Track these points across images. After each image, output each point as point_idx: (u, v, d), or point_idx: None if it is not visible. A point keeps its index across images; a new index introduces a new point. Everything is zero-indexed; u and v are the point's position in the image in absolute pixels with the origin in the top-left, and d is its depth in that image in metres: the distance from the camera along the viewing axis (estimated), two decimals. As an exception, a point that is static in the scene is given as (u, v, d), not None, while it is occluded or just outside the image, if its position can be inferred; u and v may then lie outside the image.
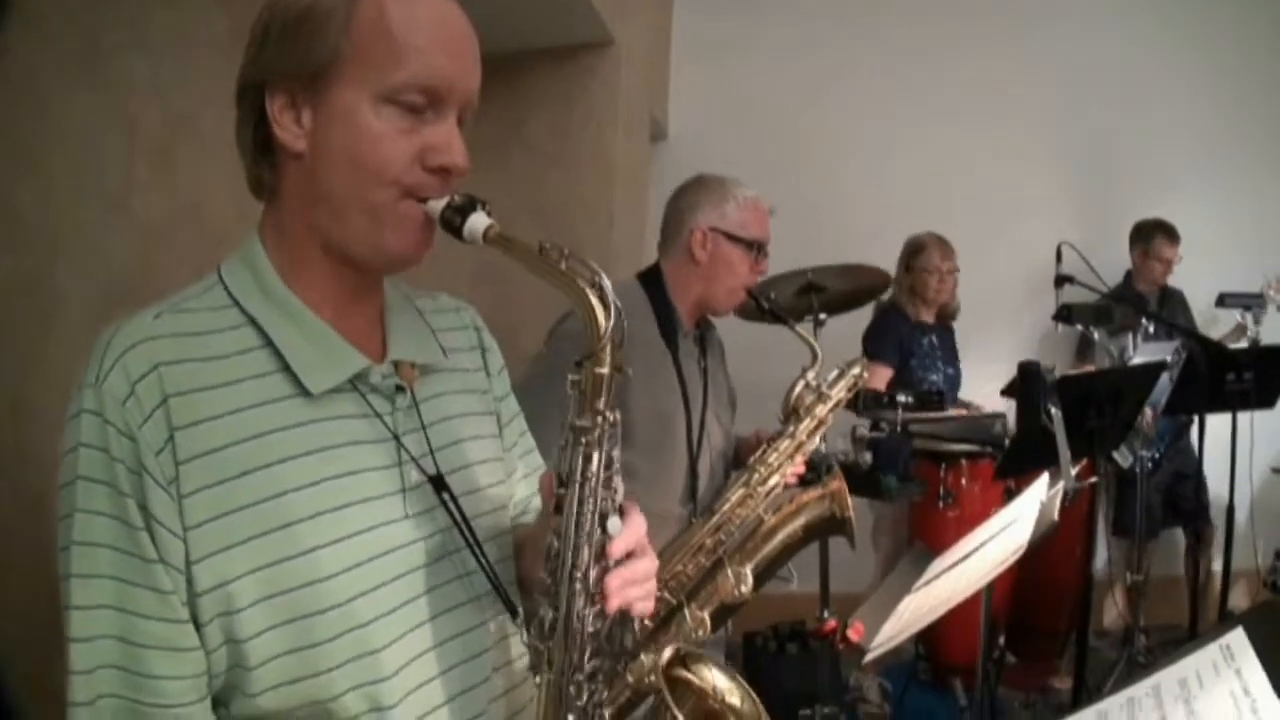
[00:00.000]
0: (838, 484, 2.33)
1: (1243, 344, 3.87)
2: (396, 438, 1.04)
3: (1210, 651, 1.10)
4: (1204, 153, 4.69)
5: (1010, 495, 3.44)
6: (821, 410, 2.29)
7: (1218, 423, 3.39)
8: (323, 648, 0.95)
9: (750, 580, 1.88)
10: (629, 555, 1.02)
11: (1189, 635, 3.42)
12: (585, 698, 1.01)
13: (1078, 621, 2.91)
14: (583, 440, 0.99)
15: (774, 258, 2.43)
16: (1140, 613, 3.60)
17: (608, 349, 0.98)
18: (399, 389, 1.06)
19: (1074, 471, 2.25)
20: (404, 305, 1.16)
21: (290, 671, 0.95)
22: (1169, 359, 3.40)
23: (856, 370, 2.37)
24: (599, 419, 0.99)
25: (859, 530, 3.81)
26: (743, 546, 2.00)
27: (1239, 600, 3.67)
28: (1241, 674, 1.02)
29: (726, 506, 2.06)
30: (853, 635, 1.94)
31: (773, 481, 2.20)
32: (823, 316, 2.99)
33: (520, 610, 1.10)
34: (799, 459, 2.28)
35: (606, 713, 1.03)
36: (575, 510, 0.98)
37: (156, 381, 0.93)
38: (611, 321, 0.97)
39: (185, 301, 1.01)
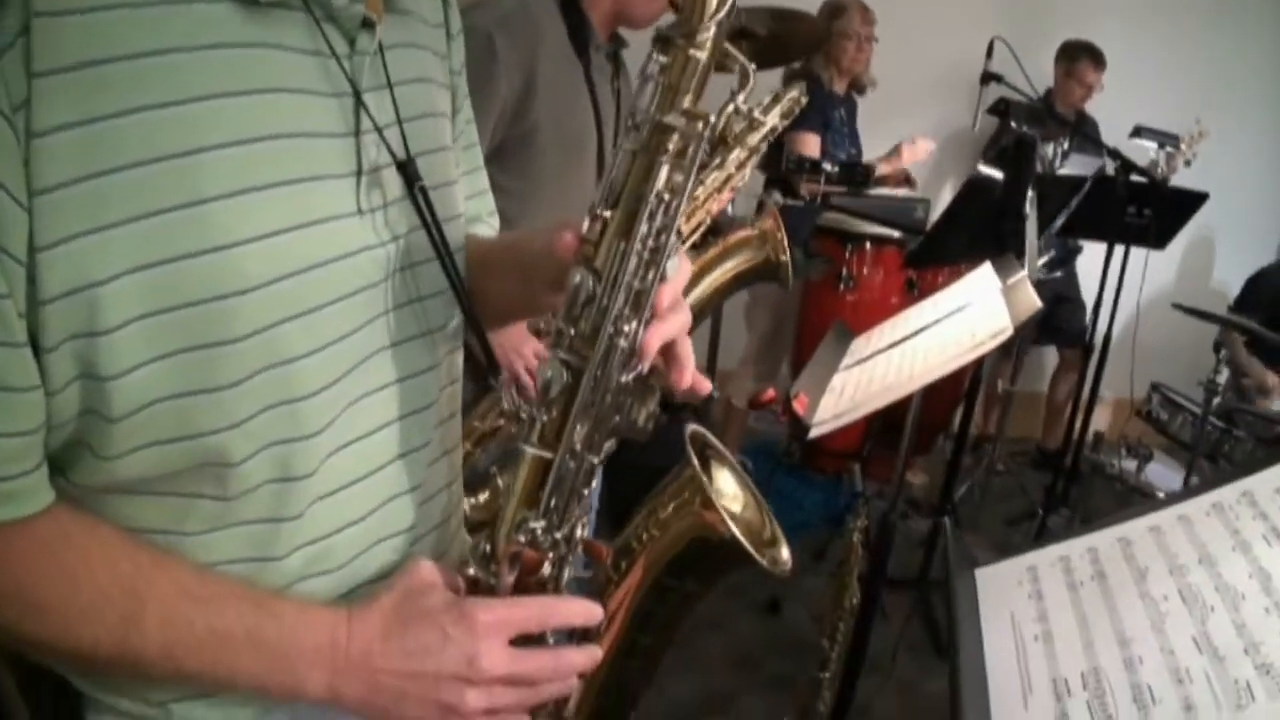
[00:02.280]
0: (772, 223, 2.11)
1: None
2: (357, 95, 0.71)
3: (1305, 460, 0.96)
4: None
5: (912, 287, 3.33)
6: (754, 138, 2.04)
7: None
8: (229, 394, 0.65)
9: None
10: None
11: (1056, 450, 3.49)
12: (581, 479, 0.74)
13: (961, 421, 2.86)
14: (665, 147, 0.69)
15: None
16: (1005, 423, 3.65)
17: (712, 29, 0.70)
18: (365, 24, 0.72)
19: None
20: None
21: (174, 426, 0.65)
22: (1090, 174, 3.30)
23: (794, 94, 2.13)
24: (688, 121, 0.69)
25: (737, 306, 3.72)
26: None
27: (1101, 424, 3.78)
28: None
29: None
30: (797, 407, 1.74)
31: (698, 218, 2.00)
32: (752, 67, 2.67)
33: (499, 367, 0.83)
34: (727, 193, 2.05)
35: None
36: (637, 243, 0.70)
37: None
38: None
39: None
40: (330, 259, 0.69)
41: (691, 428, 0.84)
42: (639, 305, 0.71)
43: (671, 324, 0.74)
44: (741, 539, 0.75)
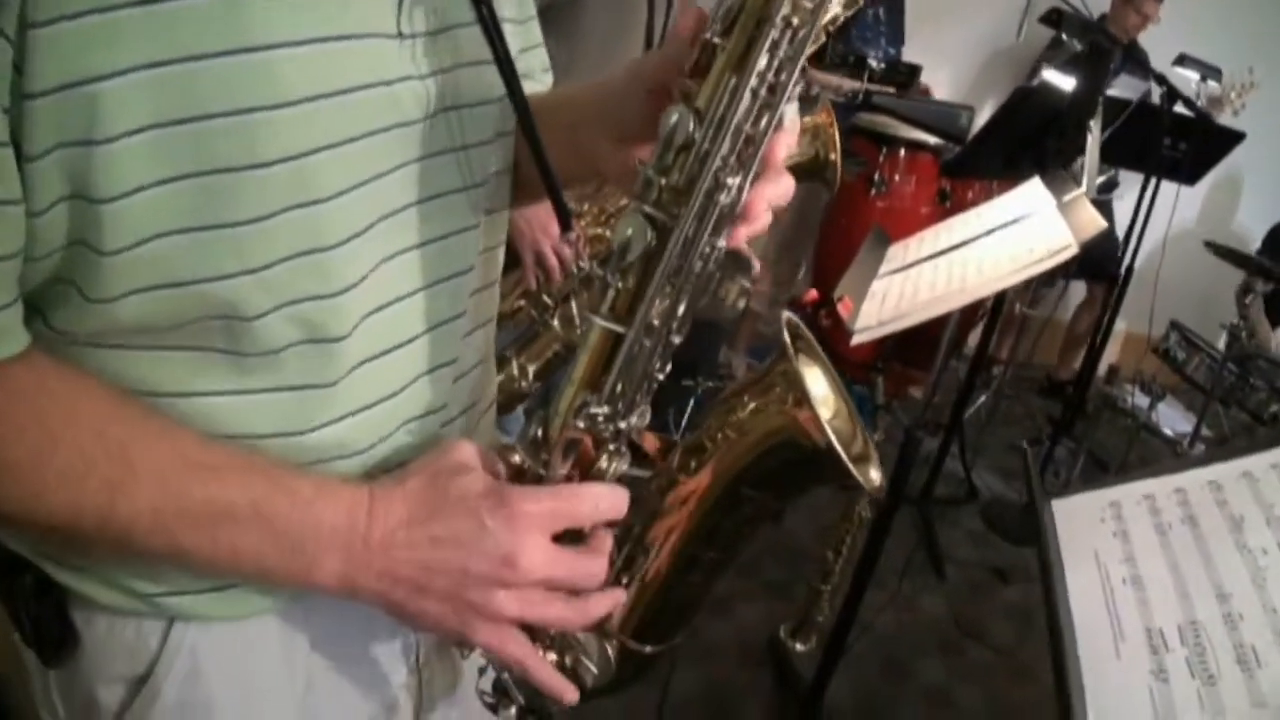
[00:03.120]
0: (826, 118, 1.98)
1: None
2: None
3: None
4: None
5: (944, 198, 3.22)
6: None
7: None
8: (247, 231, 0.54)
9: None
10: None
11: (1068, 380, 3.43)
12: (656, 365, 0.64)
13: (980, 342, 2.79)
14: None
15: None
16: (1018, 348, 3.58)
17: None
18: None
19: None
20: None
21: (179, 267, 0.54)
22: (1135, 98, 3.16)
23: None
24: None
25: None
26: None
27: (1113, 356, 3.72)
28: None
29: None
30: (842, 311, 1.66)
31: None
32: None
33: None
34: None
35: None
36: (753, 79, 0.57)
37: None
38: None
39: None
40: (367, 84, 0.57)
41: (787, 315, 0.74)
42: (746, 156, 0.59)
43: (780, 186, 0.63)
44: (838, 447, 0.66)
